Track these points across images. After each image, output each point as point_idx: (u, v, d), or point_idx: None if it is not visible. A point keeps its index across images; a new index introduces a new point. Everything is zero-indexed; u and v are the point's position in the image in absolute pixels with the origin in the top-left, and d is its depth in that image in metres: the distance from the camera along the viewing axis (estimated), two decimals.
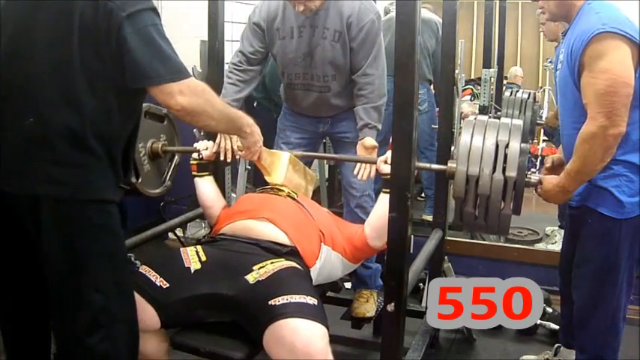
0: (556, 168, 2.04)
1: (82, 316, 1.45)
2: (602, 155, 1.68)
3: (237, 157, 2.32)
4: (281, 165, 2.18)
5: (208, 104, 1.52)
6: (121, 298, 1.51)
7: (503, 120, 1.77)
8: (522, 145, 1.68)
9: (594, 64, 1.67)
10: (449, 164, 1.74)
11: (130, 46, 1.37)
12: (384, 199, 1.91)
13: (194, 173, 2.21)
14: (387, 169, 1.93)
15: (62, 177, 1.42)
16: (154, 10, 1.44)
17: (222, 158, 2.24)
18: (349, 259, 2.04)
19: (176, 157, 2.41)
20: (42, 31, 1.41)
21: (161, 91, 1.42)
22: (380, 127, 2.34)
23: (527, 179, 1.71)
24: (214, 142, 2.23)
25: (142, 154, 2.22)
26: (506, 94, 3.73)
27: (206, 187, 2.22)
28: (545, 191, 1.83)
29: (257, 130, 1.90)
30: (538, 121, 3.75)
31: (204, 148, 2.20)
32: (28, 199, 1.43)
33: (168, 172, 2.39)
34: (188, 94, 1.44)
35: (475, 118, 1.78)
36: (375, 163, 2.05)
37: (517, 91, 3.71)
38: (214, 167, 2.35)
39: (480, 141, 1.68)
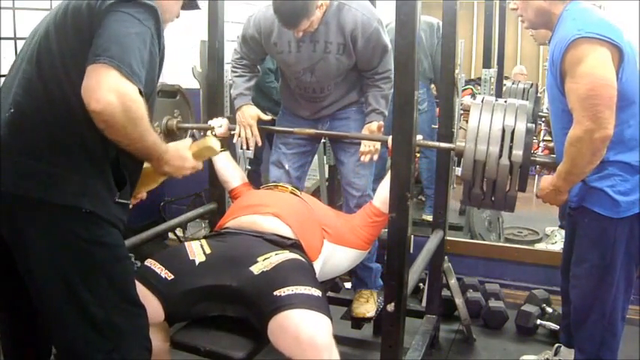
0: None
1: (84, 330, 1.36)
2: (590, 158, 1.69)
3: (241, 149, 2.40)
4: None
5: (132, 123, 1.26)
6: (127, 310, 1.43)
7: (510, 101, 1.81)
8: (529, 124, 1.73)
9: (574, 70, 1.68)
10: (457, 143, 1.78)
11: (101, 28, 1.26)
12: None
13: None
14: None
15: (28, 170, 1.31)
16: (150, 10, 1.31)
17: (239, 149, 2.38)
18: (360, 247, 2.10)
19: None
20: (45, 22, 1.40)
21: (95, 71, 1.21)
22: (386, 113, 2.36)
23: (532, 158, 1.77)
24: (228, 120, 2.36)
25: (158, 133, 2.22)
26: (508, 84, 3.71)
27: (222, 163, 2.35)
28: (541, 189, 1.88)
29: (175, 155, 1.51)
30: (540, 113, 3.72)
31: (219, 125, 2.32)
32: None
33: None
34: (120, 98, 1.21)
35: (482, 100, 1.81)
36: (387, 141, 2.01)
37: (519, 81, 3.69)
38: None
39: (488, 121, 1.73)
